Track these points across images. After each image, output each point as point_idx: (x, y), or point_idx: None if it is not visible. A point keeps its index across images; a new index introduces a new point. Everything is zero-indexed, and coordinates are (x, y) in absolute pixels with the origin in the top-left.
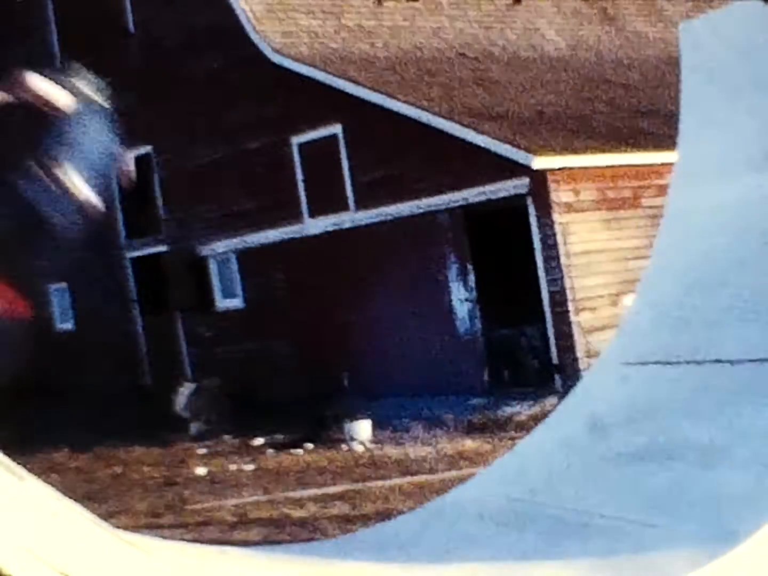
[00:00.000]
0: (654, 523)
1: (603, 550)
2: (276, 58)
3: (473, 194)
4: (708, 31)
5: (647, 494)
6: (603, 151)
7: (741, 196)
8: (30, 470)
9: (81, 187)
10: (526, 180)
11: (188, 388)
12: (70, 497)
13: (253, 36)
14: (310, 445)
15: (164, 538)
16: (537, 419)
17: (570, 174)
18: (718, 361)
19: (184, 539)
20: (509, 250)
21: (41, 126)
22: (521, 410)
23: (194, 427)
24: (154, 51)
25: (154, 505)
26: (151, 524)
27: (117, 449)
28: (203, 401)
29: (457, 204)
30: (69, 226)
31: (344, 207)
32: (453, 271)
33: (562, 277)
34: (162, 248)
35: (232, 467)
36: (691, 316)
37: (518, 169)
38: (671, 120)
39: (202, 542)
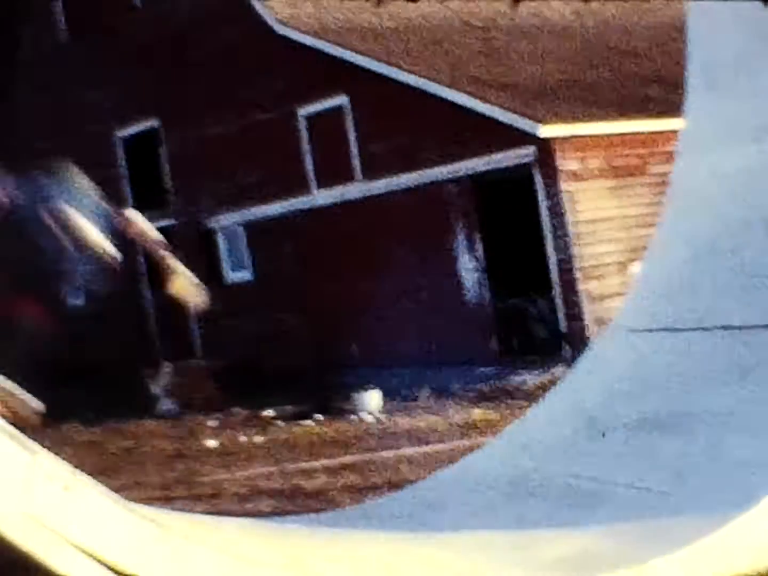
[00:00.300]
0: (663, 491)
1: (612, 517)
2: (281, 30)
3: (480, 164)
4: None
5: (656, 462)
6: (609, 118)
7: (748, 163)
8: (42, 445)
9: (96, 236)
10: (532, 149)
11: (166, 369)
12: (82, 471)
13: (258, 8)
14: (320, 417)
15: (176, 510)
16: (546, 388)
17: (576, 142)
18: (726, 327)
19: (195, 511)
20: (517, 219)
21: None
22: (530, 379)
23: (166, 406)
24: (161, 24)
25: (166, 478)
26: (163, 497)
27: (127, 423)
28: (181, 381)
29: (464, 173)
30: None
31: (351, 178)
32: (461, 241)
33: (569, 246)
34: (170, 222)
35: (243, 439)
36: (699, 283)
37: (525, 138)
38: (677, 87)
39: (213, 514)
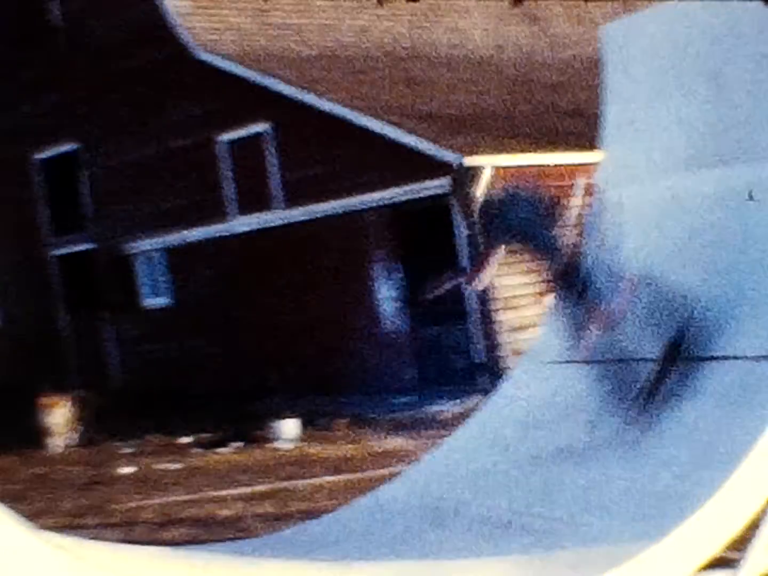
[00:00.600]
0: (576, 521)
1: (527, 547)
2: (203, 56)
3: (400, 193)
4: (630, 33)
5: (569, 492)
6: (527, 150)
7: (663, 196)
8: None
9: None
10: (451, 179)
11: (64, 403)
12: None
13: (181, 32)
14: (237, 444)
15: (89, 538)
16: (462, 418)
17: (495, 173)
18: (642, 359)
19: (109, 539)
20: (436, 248)
21: None
22: (447, 409)
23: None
24: (82, 46)
25: (79, 505)
26: (76, 524)
27: (41, 449)
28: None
29: (383, 202)
30: None
31: (272, 205)
32: (380, 270)
33: None
34: (89, 246)
35: (159, 466)
36: None
37: (444, 168)
38: (597, 120)
39: (127, 542)
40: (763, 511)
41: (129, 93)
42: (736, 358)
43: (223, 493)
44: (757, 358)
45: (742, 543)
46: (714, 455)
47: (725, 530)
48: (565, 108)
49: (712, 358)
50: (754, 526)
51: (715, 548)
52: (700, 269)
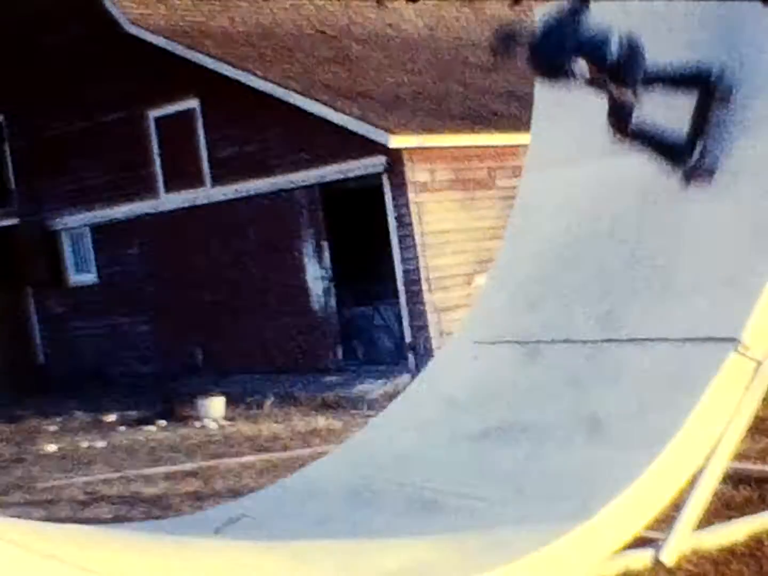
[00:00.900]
0: (501, 501)
1: (452, 526)
2: (132, 29)
3: (330, 172)
4: None
5: (496, 472)
6: (459, 131)
7: (591, 179)
8: None
9: None
10: (382, 159)
11: None
12: None
13: (109, 5)
14: (163, 422)
15: (13, 516)
16: (390, 398)
17: (426, 154)
18: (568, 341)
19: (33, 517)
20: (366, 229)
21: None
22: (374, 388)
23: None
24: (8, 17)
25: (3, 483)
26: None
27: None
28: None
29: (313, 181)
30: None
31: (200, 183)
32: (309, 249)
33: (416, 257)
34: (13, 221)
35: (84, 444)
36: (542, 296)
37: (375, 147)
38: (526, 103)
39: (52, 520)
40: (686, 492)
41: (56, 66)
42: (660, 340)
43: (149, 471)
44: (681, 341)
45: (665, 523)
46: (639, 437)
47: (648, 510)
48: (498, 90)
49: (638, 340)
50: (676, 507)
51: (638, 528)
52: (627, 253)
